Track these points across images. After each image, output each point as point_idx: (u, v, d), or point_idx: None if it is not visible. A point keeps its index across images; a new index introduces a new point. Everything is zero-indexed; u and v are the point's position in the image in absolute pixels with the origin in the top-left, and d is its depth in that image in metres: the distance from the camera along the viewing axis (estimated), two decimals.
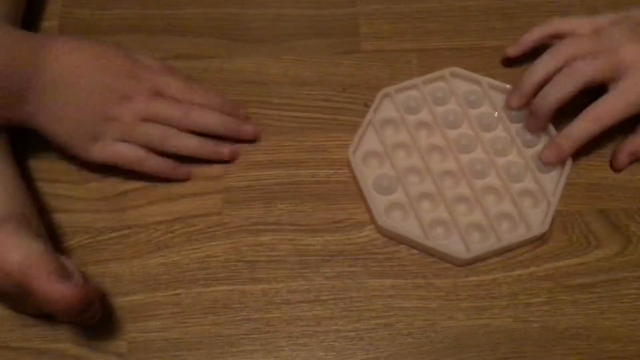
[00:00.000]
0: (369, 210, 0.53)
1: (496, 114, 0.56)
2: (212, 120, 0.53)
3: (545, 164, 0.53)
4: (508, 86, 0.56)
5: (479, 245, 0.51)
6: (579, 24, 0.56)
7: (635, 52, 0.51)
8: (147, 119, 0.51)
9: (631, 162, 0.55)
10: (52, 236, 0.51)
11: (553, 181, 0.53)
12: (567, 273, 0.51)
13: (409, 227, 0.52)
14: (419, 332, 0.48)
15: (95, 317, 0.46)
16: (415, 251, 0.51)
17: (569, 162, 0.54)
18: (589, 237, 0.52)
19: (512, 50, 0.59)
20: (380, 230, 0.52)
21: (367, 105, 0.57)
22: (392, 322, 0.49)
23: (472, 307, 0.49)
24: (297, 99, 0.59)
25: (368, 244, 0.52)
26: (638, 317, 0.49)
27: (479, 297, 0.50)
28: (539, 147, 0.55)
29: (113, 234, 0.52)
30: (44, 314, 0.47)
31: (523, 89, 0.54)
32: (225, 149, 0.54)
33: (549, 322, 0.49)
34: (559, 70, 0.52)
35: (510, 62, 0.60)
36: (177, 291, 0.50)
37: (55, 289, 0.40)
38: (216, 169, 0.55)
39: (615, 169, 0.55)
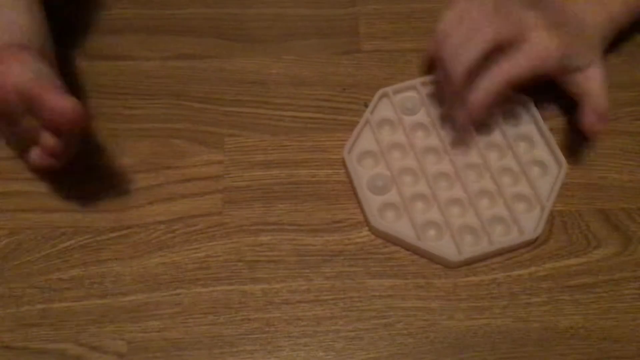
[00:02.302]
0: (362, 210, 0.53)
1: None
2: None
3: (460, 127, 0.54)
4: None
5: (470, 247, 0.51)
6: None
7: (530, 18, 0.52)
8: None
9: (600, 124, 0.53)
10: (52, 236, 0.51)
11: (548, 186, 0.53)
12: (567, 273, 0.51)
13: (401, 228, 0.52)
14: (419, 332, 0.48)
15: (73, 149, 0.50)
16: None
17: (563, 167, 0.54)
18: (589, 237, 0.52)
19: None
20: (372, 230, 0.52)
21: (367, 105, 0.57)
22: (392, 322, 0.49)
23: (472, 307, 0.49)
24: (297, 99, 0.59)
25: (368, 244, 0.52)
26: (638, 317, 0.49)
27: (479, 297, 0.50)
28: (535, 151, 0.55)
29: (113, 234, 0.52)
30: (27, 142, 0.50)
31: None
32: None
33: (549, 322, 0.49)
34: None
35: None
36: (177, 291, 0.50)
37: (63, 101, 0.45)
38: (216, 168, 0.55)
39: (591, 133, 0.54)
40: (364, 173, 0.54)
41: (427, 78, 0.58)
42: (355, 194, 0.53)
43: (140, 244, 0.51)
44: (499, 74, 0.52)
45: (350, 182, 0.54)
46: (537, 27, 0.53)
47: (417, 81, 0.58)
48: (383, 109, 0.57)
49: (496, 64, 0.52)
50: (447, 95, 0.56)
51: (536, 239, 0.51)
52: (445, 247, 0.51)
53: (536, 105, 0.57)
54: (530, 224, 0.52)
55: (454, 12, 0.54)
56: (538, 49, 0.53)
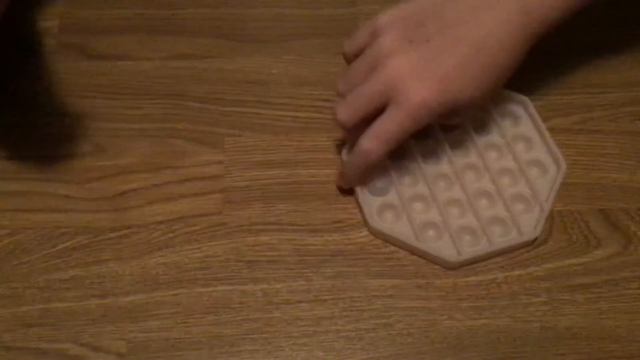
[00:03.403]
0: (361, 210, 0.52)
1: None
2: None
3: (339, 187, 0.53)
4: (506, 90, 0.57)
5: (469, 248, 0.51)
6: (364, 30, 0.51)
7: (397, 68, 0.48)
8: None
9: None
10: (52, 236, 0.51)
11: (547, 186, 0.53)
12: (567, 273, 0.51)
13: (400, 229, 0.51)
14: (419, 332, 0.48)
15: None
16: None
17: (562, 167, 0.54)
18: (589, 237, 0.52)
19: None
20: (372, 231, 0.52)
21: None
22: (392, 322, 0.49)
23: (472, 307, 0.49)
24: (297, 99, 0.59)
25: (368, 244, 0.52)
26: (638, 317, 0.49)
27: (479, 297, 0.50)
28: (534, 152, 0.55)
29: (113, 234, 0.52)
30: None
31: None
32: None
33: (549, 322, 0.49)
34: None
35: None
36: (177, 291, 0.50)
37: None
38: (216, 168, 0.55)
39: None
40: None
41: None
42: (354, 195, 0.53)
43: (140, 244, 0.51)
44: (363, 153, 0.49)
45: None
46: (401, 79, 0.47)
47: None
48: None
49: (366, 132, 0.48)
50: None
51: (535, 239, 0.51)
52: (445, 248, 0.51)
53: (535, 106, 0.57)
54: (530, 224, 0.52)
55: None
56: (400, 113, 0.48)
